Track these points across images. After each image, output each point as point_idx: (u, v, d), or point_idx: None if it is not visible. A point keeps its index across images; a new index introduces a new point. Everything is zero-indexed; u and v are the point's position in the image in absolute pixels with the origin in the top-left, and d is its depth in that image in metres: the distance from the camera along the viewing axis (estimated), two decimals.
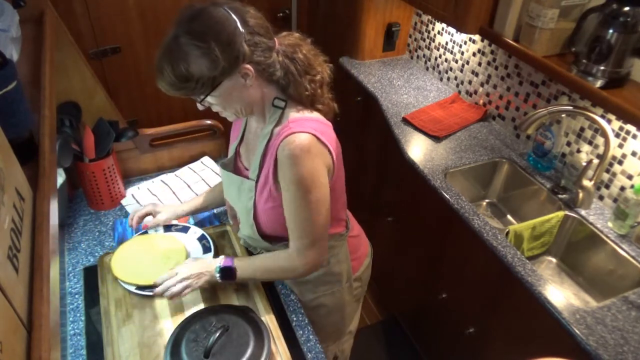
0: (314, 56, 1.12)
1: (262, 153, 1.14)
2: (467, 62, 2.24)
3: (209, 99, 1.06)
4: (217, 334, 1.08)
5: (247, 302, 1.27)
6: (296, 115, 1.10)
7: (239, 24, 1.00)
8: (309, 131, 1.07)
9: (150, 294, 1.26)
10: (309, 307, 1.35)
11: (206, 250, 1.38)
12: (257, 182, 1.17)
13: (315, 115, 1.13)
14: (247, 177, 1.20)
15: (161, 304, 1.26)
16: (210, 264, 1.22)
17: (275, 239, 1.25)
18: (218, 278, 1.21)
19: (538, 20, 1.63)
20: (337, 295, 1.36)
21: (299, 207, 1.11)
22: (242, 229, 1.31)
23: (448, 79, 2.40)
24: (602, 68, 1.50)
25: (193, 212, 1.48)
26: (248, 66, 1.02)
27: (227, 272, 1.21)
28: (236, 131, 1.31)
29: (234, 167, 1.28)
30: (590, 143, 1.72)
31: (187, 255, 1.36)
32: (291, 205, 1.12)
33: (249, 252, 1.41)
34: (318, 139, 1.08)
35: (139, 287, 1.28)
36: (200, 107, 1.11)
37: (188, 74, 0.99)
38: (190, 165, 1.79)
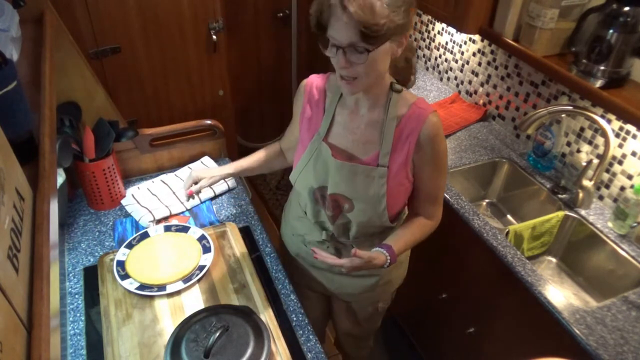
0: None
1: (392, 138, 1.18)
2: (467, 62, 2.24)
3: (371, 54, 1.02)
4: (217, 334, 1.08)
5: (247, 302, 1.27)
6: (415, 97, 1.20)
7: None
8: (435, 109, 1.19)
9: (151, 294, 1.26)
10: (380, 275, 1.41)
11: (206, 250, 1.38)
12: (388, 166, 1.19)
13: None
14: (370, 165, 1.20)
15: (161, 304, 1.26)
16: (376, 264, 1.18)
17: (394, 218, 1.30)
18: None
19: (538, 20, 1.63)
20: (403, 264, 1.49)
21: (439, 178, 1.24)
22: (357, 216, 1.26)
23: (448, 79, 2.40)
24: (602, 68, 1.50)
25: (235, 174, 1.48)
26: (407, 36, 1.08)
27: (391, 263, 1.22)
28: (313, 126, 1.27)
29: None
30: (590, 143, 1.72)
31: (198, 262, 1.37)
32: (434, 177, 1.23)
33: (249, 251, 1.41)
34: None
35: (141, 287, 1.28)
36: (343, 62, 1.04)
37: (381, 14, 0.97)
38: (191, 165, 1.79)
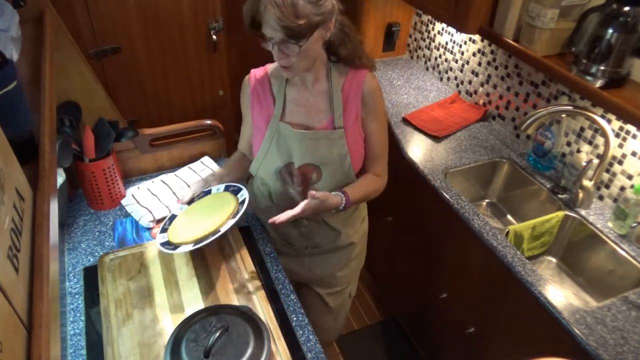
0: (347, 18, 1.26)
1: (341, 101, 1.29)
2: (467, 62, 2.24)
3: (303, 46, 1.13)
4: (217, 334, 1.08)
5: (247, 302, 1.27)
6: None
7: None
8: (369, 70, 1.32)
9: (168, 251, 1.26)
10: (354, 243, 1.55)
11: (235, 192, 1.35)
12: (344, 127, 1.31)
13: None
14: (328, 129, 1.31)
15: (161, 304, 1.26)
16: (331, 203, 1.29)
17: (359, 175, 1.41)
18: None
19: (538, 20, 1.63)
20: (364, 223, 1.60)
21: (383, 132, 1.37)
22: (327, 183, 1.35)
23: (448, 79, 2.40)
24: (602, 68, 1.50)
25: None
26: (333, 21, 1.16)
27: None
28: (265, 111, 1.35)
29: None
30: (590, 143, 1.72)
31: (236, 210, 1.30)
32: (379, 132, 1.35)
33: (249, 251, 1.41)
34: None
35: (166, 243, 1.28)
36: (277, 56, 1.17)
37: (303, 13, 1.08)
38: (190, 165, 1.79)
